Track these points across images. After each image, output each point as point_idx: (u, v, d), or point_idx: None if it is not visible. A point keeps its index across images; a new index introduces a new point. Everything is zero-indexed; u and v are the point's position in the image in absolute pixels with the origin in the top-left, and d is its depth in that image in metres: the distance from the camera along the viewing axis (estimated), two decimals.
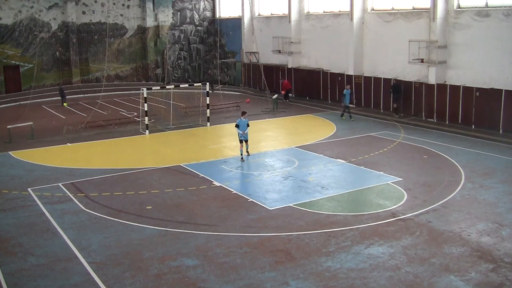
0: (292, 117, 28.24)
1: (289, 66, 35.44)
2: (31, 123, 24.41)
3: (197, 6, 43.21)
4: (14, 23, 36.75)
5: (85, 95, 36.58)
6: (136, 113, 29.09)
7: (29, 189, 16.13)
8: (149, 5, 41.21)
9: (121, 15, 40.82)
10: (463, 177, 16.68)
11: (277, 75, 36.49)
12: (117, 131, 25.16)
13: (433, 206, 14.10)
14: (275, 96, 30.55)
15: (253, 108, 30.85)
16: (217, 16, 43.67)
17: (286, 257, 11.17)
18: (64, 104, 33.31)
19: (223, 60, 42.84)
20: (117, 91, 38.54)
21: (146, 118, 24.48)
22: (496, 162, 18.32)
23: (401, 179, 16.53)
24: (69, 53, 38.93)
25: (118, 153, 21.14)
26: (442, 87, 25.37)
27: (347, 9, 30.48)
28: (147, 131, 24.33)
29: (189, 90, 32.35)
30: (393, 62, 28.32)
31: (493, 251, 11.31)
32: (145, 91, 24.58)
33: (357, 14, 29.78)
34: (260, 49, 36.60)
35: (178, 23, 42.68)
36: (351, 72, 30.57)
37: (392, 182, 16.26)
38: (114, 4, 40.43)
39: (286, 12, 35.45)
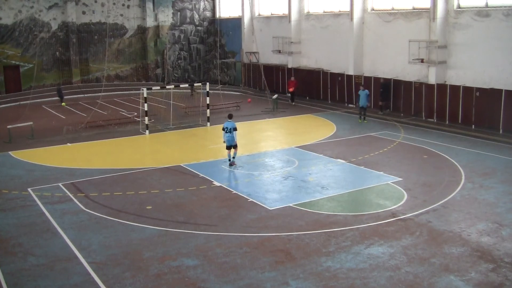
0: (292, 117, 28.23)
1: (289, 66, 35.44)
2: (31, 123, 24.41)
3: (197, 6, 43.22)
4: (14, 23, 36.75)
5: (85, 95, 36.58)
6: (136, 113, 29.09)
7: (29, 189, 16.13)
8: (149, 5, 41.21)
9: (121, 15, 40.82)
10: (463, 177, 16.68)
11: (277, 75, 36.50)
12: (117, 131, 25.16)
13: (433, 206, 14.10)
14: (275, 96, 30.53)
15: (253, 108, 30.87)
16: (217, 16, 43.67)
17: (286, 257, 11.17)
18: (63, 104, 33.31)
19: (223, 60, 42.84)
20: (117, 91, 38.54)
21: (146, 118, 24.48)
22: (496, 162, 18.33)
23: (401, 179, 16.53)
24: (69, 53, 38.93)
25: (118, 153, 21.14)
26: (442, 87, 25.37)
27: (347, 9, 30.49)
28: (147, 131, 24.33)
29: (189, 90, 32.40)
30: (393, 62, 28.33)
31: (493, 251, 11.31)
32: (145, 91, 24.58)
33: (357, 14, 29.78)
34: (260, 49, 36.60)
35: (178, 23, 42.69)
36: (351, 72, 30.57)
37: (392, 182, 16.26)
38: (114, 4, 40.42)
39: (286, 12, 35.45)
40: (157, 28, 41.81)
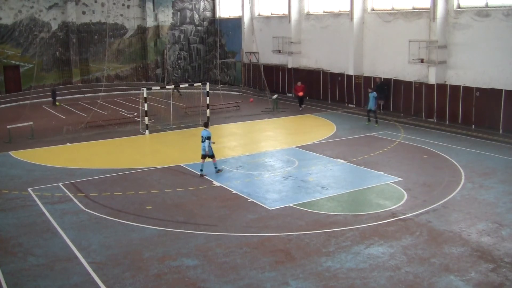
0: (292, 117, 28.23)
1: (289, 66, 35.44)
2: (31, 123, 24.41)
3: (197, 6, 43.22)
4: (14, 23, 36.75)
5: (85, 95, 36.58)
6: (136, 113, 29.09)
7: (29, 189, 16.13)
8: (149, 5, 41.21)
9: (121, 15, 40.82)
10: (463, 177, 16.68)
11: (277, 75, 36.50)
12: (117, 131, 25.16)
13: (433, 206, 14.10)
14: (275, 96, 30.54)
15: (253, 108, 30.87)
16: (217, 16, 43.67)
17: (286, 257, 11.17)
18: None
19: (223, 60, 42.84)
20: (117, 91, 38.54)
21: (146, 118, 24.48)
22: (496, 162, 18.32)
23: (401, 179, 16.53)
24: (69, 53, 38.93)
25: (118, 153, 21.14)
26: (442, 87, 25.37)
27: (347, 9, 30.49)
28: (147, 131, 24.33)
29: (189, 90, 32.39)
30: (393, 62, 28.33)
31: (493, 251, 11.31)
32: (145, 91, 24.58)
33: (357, 14, 29.78)
34: (260, 49, 36.60)
35: (178, 23, 42.68)
36: (351, 72, 30.57)
37: (392, 182, 16.26)
38: (114, 4, 40.43)
39: (286, 12, 35.45)
40: (157, 28, 41.82)
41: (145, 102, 24.50)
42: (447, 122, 25.14)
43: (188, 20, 43.01)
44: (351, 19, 29.96)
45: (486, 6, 23.64)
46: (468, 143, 21.23)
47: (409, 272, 10.41)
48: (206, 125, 17.78)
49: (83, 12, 39.48)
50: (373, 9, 29.67)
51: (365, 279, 10.13)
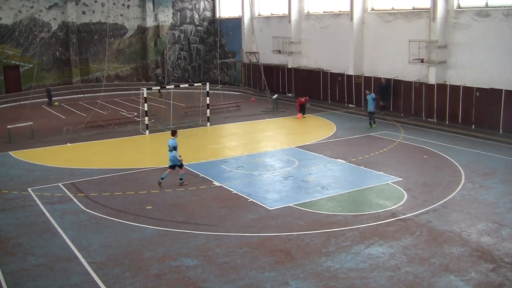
0: (292, 117, 28.22)
1: (289, 66, 35.44)
2: (31, 123, 24.41)
3: (197, 6, 43.21)
4: (14, 23, 36.75)
5: (85, 95, 36.59)
6: (136, 113, 29.09)
7: (29, 189, 16.13)
8: (149, 5, 41.21)
9: (121, 15, 40.82)
10: (463, 177, 16.68)
11: (277, 75, 36.49)
12: (117, 131, 25.16)
13: (433, 206, 14.10)
14: (275, 96, 30.54)
15: (253, 108, 30.87)
16: (217, 16, 43.67)
17: (286, 257, 11.17)
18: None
19: (223, 60, 42.84)
20: (117, 91, 38.54)
21: (146, 118, 24.48)
22: (496, 162, 18.32)
23: (401, 179, 16.53)
24: (69, 53, 38.93)
25: (118, 153, 21.14)
26: (442, 87, 25.37)
27: (347, 9, 30.49)
28: (147, 131, 24.33)
29: (189, 90, 32.39)
30: (393, 62, 28.32)
31: (493, 251, 11.31)
32: (145, 91, 24.58)
33: (357, 14, 29.78)
34: (260, 49, 36.60)
35: (178, 23, 42.68)
36: (351, 72, 30.57)
37: (392, 182, 16.26)
38: (114, 4, 40.43)
39: (286, 12, 35.45)
40: (157, 28, 41.81)
41: (145, 102, 24.50)
42: (447, 122, 25.14)
43: (188, 20, 43.01)
44: (351, 19, 29.96)
45: (486, 6, 23.63)
46: (468, 143, 21.23)
47: (409, 272, 10.41)
48: (173, 133, 16.37)
49: (83, 12, 39.48)
50: (373, 9, 29.67)
51: (365, 279, 10.12)
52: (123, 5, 40.82)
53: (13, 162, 19.69)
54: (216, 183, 16.46)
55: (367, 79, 29.45)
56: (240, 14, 40.29)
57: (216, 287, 9.98)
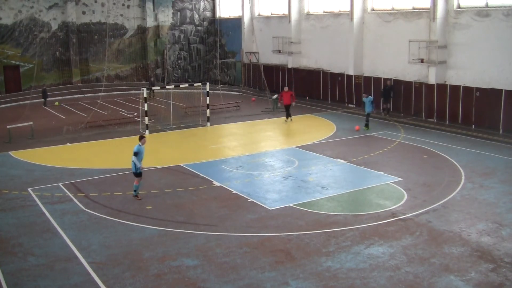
0: (292, 117, 28.21)
1: (289, 66, 35.44)
2: (31, 123, 24.41)
3: (197, 6, 43.21)
4: (14, 23, 36.75)
5: (85, 95, 36.58)
6: (136, 113, 29.09)
7: (29, 189, 16.13)
8: (149, 5, 41.21)
9: (121, 15, 40.82)
10: (463, 177, 16.68)
11: (277, 75, 36.49)
12: (117, 131, 25.16)
13: (433, 206, 14.10)
14: (275, 96, 30.53)
15: (253, 108, 30.88)
16: (217, 16, 43.67)
17: (286, 257, 11.17)
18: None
19: (223, 60, 42.84)
20: (117, 91, 38.53)
21: (146, 118, 24.48)
22: (496, 162, 18.32)
23: (401, 179, 16.53)
24: (69, 53, 38.94)
25: (118, 153, 21.13)
26: (442, 87, 25.37)
27: (347, 9, 30.49)
28: (147, 131, 24.33)
29: (189, 90, 32.39)
30: (393, 62, 28.32)
31: (493, 251, 11.31)
32: (145, 91, 24.59)
33: (357, 14, 29.78)
34: (260, 49, 36.60)
35: (178, 23, 42.68)
36: (351, 72, 30.57)
37: (392, 182, 16.26)
38: (114, 4, 40.43)
39: (286, 12, 35.45)
40: (157, 28, 41.81)
41: (145, 102, 24.50)
42: (447, 122, 25.14)
43: (188, 20, 43.01)
44: (351, 19, 29.96)
45: (486, 6, 23.63)
46: (468, 143, 21.23)
47: (409, 272, 10.41)
48: (139, 138, 15.11)
49: (83, 12, 39.48)
50: (373, 9, 29.67)
51: (365, 279, 10.13)
52: (123, 5, 40.82)
53: (13, 162, 19.69)
54: (216, 183, 16.46)
55: (367, 79, 29.45)
56: (240, 14, 40.29)
57: (216, 287, 9.98)
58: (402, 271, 10.44)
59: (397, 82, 27.72)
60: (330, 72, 32.13)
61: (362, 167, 18.12)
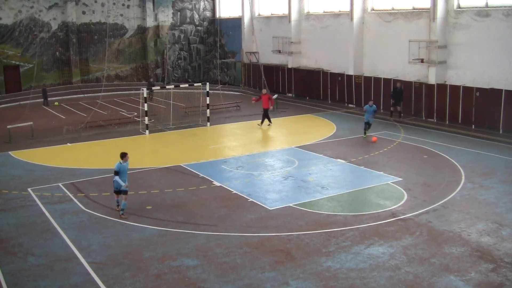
0: (292, 117, 28.22)
1: (289, 66, 35.44)
2: (31, 123, 24.40)
3: (197, 6, 43.21)
4: (14, 23, 36.74)
5: (85, 95, 36.57)
6: (136, 113, 29.09)
7: (29, 189, 16.12)
8: (149, 5, 41.20)
9: (121, 15, 40.82)
10: (463, 177, 16.68)
11: (277, 75, 36.49)
12: (117, 131, 25.15)
13: (433, 206, 14.10)
14: (275, 96, 30.52)
15: (253, 108, 30.85)
16: (217, 16, 43.67)
17: (286, 257, 11.17)
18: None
19: (223, 60, 42.84)
20: (117, 91, 38.52)
21: (146, 118, 24.48)
22: (496, 162, 18.32)
23: (401, 179, 16.53)
24: (69, 53, 38.93)
25: (118, 153, 21.01)
26: (442, 87, 25.37)
27: (347, 9, 30.49)
28: (147, 131, 24.33)
29: (189, 90, 32.38)
30: (393, 62, 28.32)
31: (493, 251, 11.31)
32: (145, 91, 24.58)
33: (357, 14, 29.78)
34: (260, 49, 36.59)
35: (178, 23, 42.68)
36: (351, 72, 30.57)
37: (392, 182, 16.26)
38: (114, 4, 40.42)
39: (286, 12, 35.45)
40: (157, 28, 41.81)
41: (145, 102, 24.50)
42: (447, 122, 25.14)
43: (188, 20, 43.01)
44: (351, 19, 29.96)
45: (486, 6, 23.63)
46: (468, 143, 21.23)
47: (409, 272, 10.41)
48: (121, 156, 13.91)
49: (83, 12, 39.48)
50: (373, 9, 29.66)
51: (365, 279, 10.12)
52: (123, 5, 40.82)
53: (13, 162, 19.69)
54: (216, 183, 16.46)
55: (367, 79, 29.45)
56: (240, 14, 40.29)
57: (216, 287, 9.98)
58: (402, 271, 10.44)
59: (397, 82, 27.68)
60: (330, 72, 32.13)
61: (362, 167, 18.12)
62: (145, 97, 24.46)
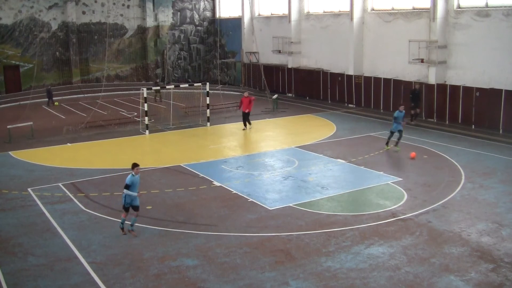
0: (292, 117, 28.22)
1: (289, 66, 35.44)
2: (31, 123, 24.41)
3: (197, 6, 43.21)
4: (14, 23, 36.75)
5: (85, 95, 36.58)
6: (136, 113, 29.09)
7: (29, 189, 16.12)
8: (149, 5, 41.20)
9: (121, 15, 40.82)
10: (463, 177, 16.67)
11: (277, 75, 36.50)
12: (117, 131, 25.15)
13: (433, 206, 14.10)
14: (275, 96, 30.54)
15: (253, 108, 30.80)
16: (217, 16, 43.66)
17: (286, 257, 11.17)
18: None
19: (223, 60, 42.84)
20: (117, 91, 38.53)
21: (146, 118, 24.48)
22: (496, 162, 18.32)
23: (401, 179, 16.53)
24: (69, 53, 38.94)
25: (118, 153, 21.13)
26: (442, 87, 25.36)
27: (347, 9, 30.48)
28: (147, 131, 24.33)
29: (189, 90, 32.37)
30: (393, 62, 28.32)
31: (493, 251, 11.31)
32: (145, 91, 24.59)
33: (357, 14, 29.78)
34: (260, 49, 36.59)
35: (178, 23, 42.68)
36: (351, 72, 30.57)
37: (392, 182, 16.25)
38: (114, 4, 40.42)
39: (286, 12, 35.44)
40: (157, 28, 41.80)
41: (145, 102, 24.50)
42: (447, 122, 25.13)
43: (188, 20, 43.00)
44: (351, 19, 29.96)
45: (486, 6, 23.63)
46: (468, 143, 21.23)
47: (409, 272, 10.41)
48: (133, 166, 12.73)
49: (83, 12, 39.48)
50: (373, 9, 29.66)
51: (365, 279, 10.13)
52: (123, 5, 40.82)
53: (13, 162, 19.69)
54: (216, 183, 16.46)
55: (367, 79, 29.44)
56: (240, 14, 40.28)
57: (216, 287, 9.98)
58: (402, 271, 10.44)
59: (397, 82, 27.71)
60: (330, 72, 32.13)
61: (362, 167, 18.12)
62: (145, 97, 24.46)
